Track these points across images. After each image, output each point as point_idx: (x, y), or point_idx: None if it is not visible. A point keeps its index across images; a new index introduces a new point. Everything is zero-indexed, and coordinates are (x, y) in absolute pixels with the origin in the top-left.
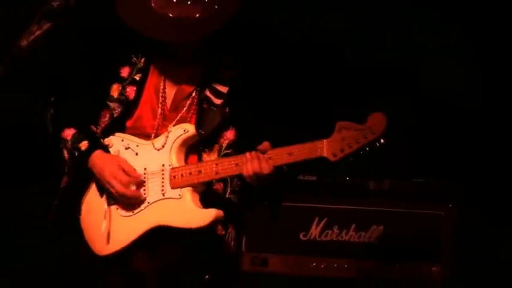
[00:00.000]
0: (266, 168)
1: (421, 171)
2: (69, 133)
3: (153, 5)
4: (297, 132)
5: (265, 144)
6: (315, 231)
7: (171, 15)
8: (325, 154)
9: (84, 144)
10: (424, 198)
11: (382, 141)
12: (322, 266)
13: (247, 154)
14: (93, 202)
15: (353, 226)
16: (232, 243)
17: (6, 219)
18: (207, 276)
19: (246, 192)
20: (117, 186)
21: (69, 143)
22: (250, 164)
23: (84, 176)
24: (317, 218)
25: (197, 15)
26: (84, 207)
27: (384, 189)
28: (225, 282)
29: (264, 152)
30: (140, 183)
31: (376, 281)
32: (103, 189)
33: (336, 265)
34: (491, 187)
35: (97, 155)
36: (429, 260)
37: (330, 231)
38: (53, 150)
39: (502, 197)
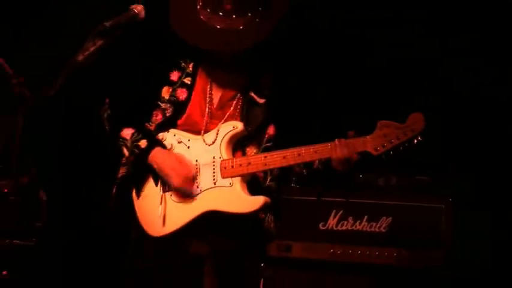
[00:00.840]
0: (354, 155)
1: (425, 169)
2: (128, 132)
3: (202, 17)
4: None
5: (351, 134)
6: (332, 221)
7: (218, 26)
8: (368, 149)
9: (143, 143)
10: (427, 193)
11: (419, 138)
12: (339, 252)
13: (337, 141)
14: (148, 190)
15: (365, 217)
16: (272, 225)
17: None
18: (262, 264)
19: (282, 179)
20: (177, 179)
21: (129, 141)
22: (341, 150)
23: (141, 168)
24: (334, 211)
25: (241, 27)
26: (140, 195)
27: (392, 185)
28: (258, 260)
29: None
30: (196, 175)
31: (386, 266)
32: (157, 179)
33: (350, 251)
34: (484, 184)
35: (156, 152)
36: (431, 246)
37: (345, 222)
38: (109, 146)
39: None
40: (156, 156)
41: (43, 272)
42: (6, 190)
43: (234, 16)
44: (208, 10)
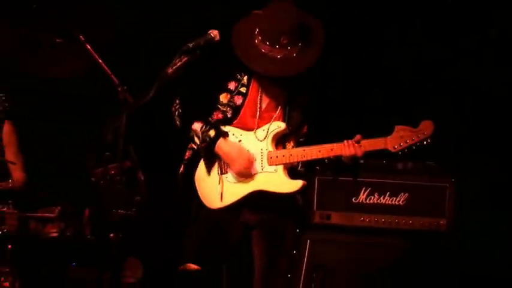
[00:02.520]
0: (359, 152)
1: (434, 156)
2: (198, 125)
3: (263, 50)
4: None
5: (358, 137)
6: (362, 196)
7: (278, 56)
8: (388, 147)
9: (212, 132)
10: (435, 175)
11: (429, 140)
12: (367, 219)
13: (345, 142)
14: (206, 170)
15: (387, 193)
16: (300, 201)
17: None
18: (297, 230)
19: (310, 167)
20: (240, 164)
21: (200, 132)
22: (349, 149)
23: (209, 153)
24: (364, 188)
25: (294, 55)
26: (200, 173)
27: (408, 168)
28: (298, 228)
29: (358, 142)
30: (253, 162)
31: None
32: (212, 163)
33: (376, 219)
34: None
35: (222, 141)
36: (438, 216)
37: (372, 197)
38: (179, 135)
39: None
40: (222, 145)
41: (140, 234)
42: (113, 172)
43: (288, 48)
44: (268, 43)
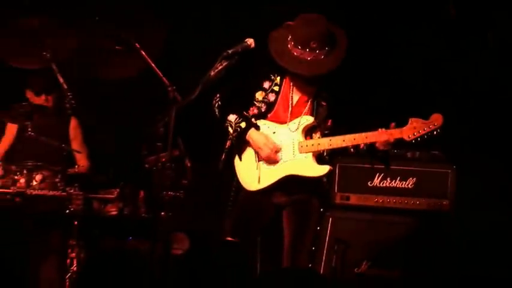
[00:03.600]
0: (391, 139)
1: (438, 146)
2: (232, 117)
3: (295, 53)
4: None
5: (392, 124)
6: (376, 180)
7: (308, 59)
8: (403, 136)
9: (243, 125)
10: (439, 162)
11: (439, 130)
12: (381, 200)
13: (379, 130)
14: (246, 157)
15: (398, 178)
16: (326, 183)
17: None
18: (322, 210)
19: (334, 154)
20: (267, 151)
21: (233, 123)
22: (383, 136)
23: (240, 142)
24: (378, 173)
25: (322, 57)
26: (239, 160)
27: (416, 157)
28: (323, 207)
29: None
30: (278, 149)
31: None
32: (250, 151)
33: (388, 200)
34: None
35: (252, 131)
36: (442, 197)
37: (385, 181)
38: (218, 127)
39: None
40: (252, 135)
41: (186, 212)
42: (164, 159)
43: (317, 51)
44: (299, 47)
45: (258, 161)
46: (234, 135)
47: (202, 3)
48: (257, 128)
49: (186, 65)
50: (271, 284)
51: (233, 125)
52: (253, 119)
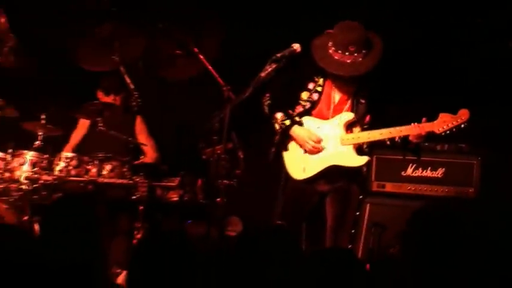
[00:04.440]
0: (423, 132)
1: (466, 139)
2: (278, 115)
3: (336, 57)
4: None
5: (424, 119)
6: (409, 170)
7: (348, 61)
8: (434, 129)
9: (287, 122)
10: (466, 154)
11: (466, 124)
12: (413, 188)
13: (413, 124)
14: (293, 150)
15: (429, 168)
16: (365, 172)
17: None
18: (361, 196)
19: (372, 146)
20: (310, 144)
21: (279, 120)
22: (416, 129)
23: (285, 137)
24: (411, 164)
25: (360, 59)
26: (287, 152)
27: (445, 149)
28: (362, 194)
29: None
30: (320, 140)
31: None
32: (296, 144)
33: (420, 188)
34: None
35: (296, 127)
36: (468, 185)
37: (417, 171)
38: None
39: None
40: (295, 131)
41: (239, 199)
42: (219, 152)
43: (355, 54)
44: (339, 52)
45: (304, 153)
46: (279, 131)
47: (254, 12)
48: (300, 125)
49: (239, 67)
50: (315, 262)
51: (279, 122)
52: (297, 117)
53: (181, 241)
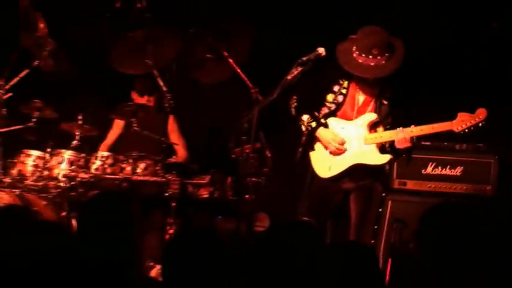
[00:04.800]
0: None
1: (484, 139)
2: (305, 117)
3: (360, 61)
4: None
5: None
6: (429, 169)
7: (372, 64)
8: (453, 128)
9: (313, 124)
10: (483, 153)
11: (484, 122)
12: (433, 186)
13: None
14: (319, 149)
15: (448, 166)
16: (388, 170)
17: None
18: (383, 194)
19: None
20: (334, 145)
21: (305, 122)
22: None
23: (312, 138)
24: (430, 162)
25: (383, 62)
26: (314, 152)
27: (463, 148)
28: (384, 191)
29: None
30: (343, 143)
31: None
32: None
33: (439, 186)
34: None
35: (321, 129)
36: (486, 183)
37: (436, 169)
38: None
39: None
40: (320, 132)
41: (267, 196)
42: (248, 151)
43: (378, 57)
44: (363, 55)
45: (329, 154)
46: (305, 132)
47: (281, 18)
48: (325, 126)
49: (267, 70)
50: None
51: (305, 124)
52: (323, 119)
53: (211, 236)
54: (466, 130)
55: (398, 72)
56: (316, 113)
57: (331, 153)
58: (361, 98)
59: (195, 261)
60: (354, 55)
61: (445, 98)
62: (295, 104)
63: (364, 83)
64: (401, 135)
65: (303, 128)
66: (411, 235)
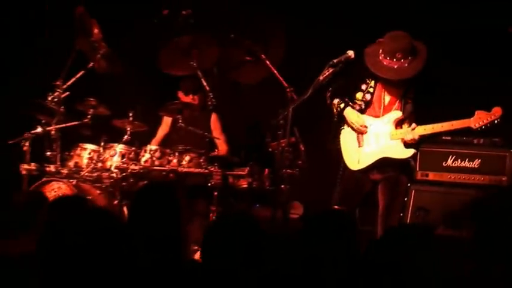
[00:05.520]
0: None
1: (499, 134)
2: (336, 100)
3: (385, 63)
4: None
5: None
6: (450, 161)
7: (395, 67)
8: (471, 125)
9: (342, 105)
10: (499, 147)
11: (499, 120)
12: (453, 177)
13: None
14: (349, 145)
15: (467, 159)
16: (412, 163)
17: None
18: (408, 184)
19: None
20: (356, 125)
21: (336, 105)
22: (458, 125)
23: (341, 120)
24: (451, 155)
25: (406, 65)
26: (344, 146)
27: (481, 143)
28: (409, 182)
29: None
30: (364, 125)
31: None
32: (352, 138)
33: (459, 177)
34: None
35: (348, 109)
36: (501, 174)
37: (456, 162)
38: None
39: None
40: (347, 112)
41: (301, 186)
42: (283, 145)
43: (402, 60)
44: (388, 58)
45: (358, 147)
46: (336, 114)
47: (312, 22)
48: (352, 108)
49: (301, 71)
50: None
51: (335, 107)
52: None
53: (250, 222)
54: (483, 127)
55: (421, 74)
56: (346, 98)
57: (354, 130)
58: (387, 97)
59: (234, 245)
60: (380, 57)
61: (463, 97)
62: (330, 93)
63: (389, 83)
64: (422, 132)
65: (334, 111)
66: (434, 221)
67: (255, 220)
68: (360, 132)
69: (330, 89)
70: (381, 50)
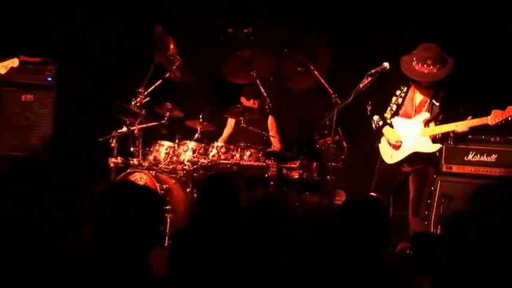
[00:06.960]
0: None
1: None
2: (376, 117)
3: (417, 68)
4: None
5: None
6: (470, 156)
7: (425, 71)
8: (489, 122)
9: (381, 123)
10: None
11: None
12: (474, 170)
13: (469, 117)
14: (384, 142)
15: (485, 154)
16: (439, 157)
17: None
18: (435, 176)
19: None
20: (392, 142)
21: (375, 122)
22: (478, 123)
23: (379, 134)
24: (471, 151)
25: (434, 71)
26: (380, 144)
27: (497, 140)
28: (435, 173)
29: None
30: (400, 141)
31: (495, 176)
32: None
33: (479, 169)
34: None
35: (386, 128)
36: None
37: (476, 156)
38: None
39: None
40: (385, 131)
41: (344, 176)
42: (329, 142)
43: (431, 66)
44: (420, 64)
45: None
46: (374, 129)
47: (355, 36)
48: (391, 126)
49: (343, 80)
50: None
51: (375, 123)
52: (388, 120)
53: (280, 204)
54: (499, 123)
55: (447, 80)
56: (384, 114)
57: (390, 146)
58: (418, 99)
59: (266, 224)
60: (413, 64)
61: (483, 98)
62: (370, 107)
63: (420, 87)
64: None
65: (373, 126)
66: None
67: (283, 201)
68: (394, 147)
69: (370, 102)
70: (414, 58)
